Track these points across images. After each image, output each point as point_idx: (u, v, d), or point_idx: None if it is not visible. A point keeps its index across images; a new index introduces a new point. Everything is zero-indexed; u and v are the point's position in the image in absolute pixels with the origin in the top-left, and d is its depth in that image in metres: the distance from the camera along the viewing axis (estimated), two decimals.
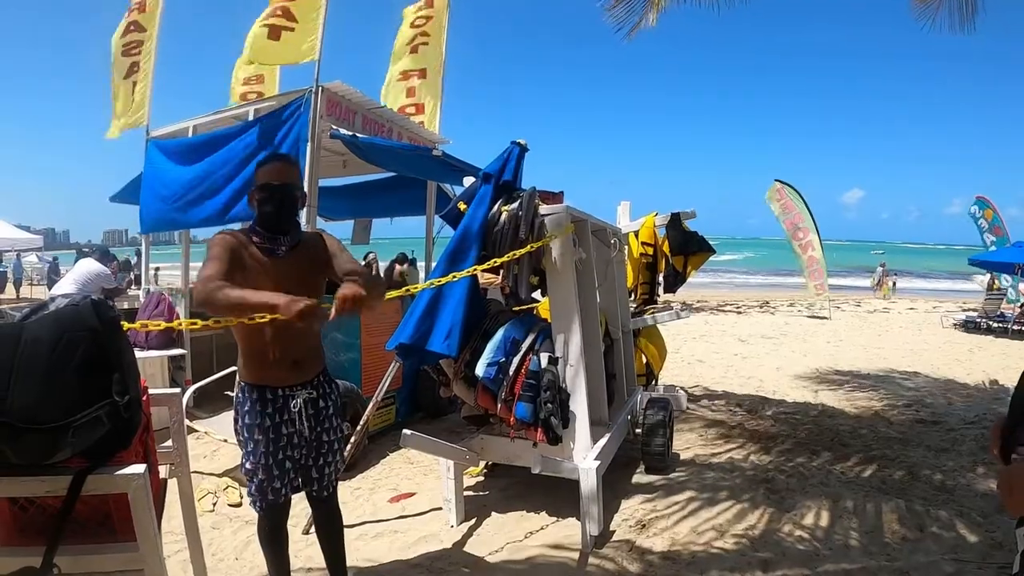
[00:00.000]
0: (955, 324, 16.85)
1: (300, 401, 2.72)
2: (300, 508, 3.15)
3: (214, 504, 4.41)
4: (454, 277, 3.56)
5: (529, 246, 3.80)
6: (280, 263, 2.67)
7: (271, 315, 2.29)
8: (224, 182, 5.52)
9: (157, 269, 7.68)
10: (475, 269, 3.73)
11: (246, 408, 2.70)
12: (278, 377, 2.70)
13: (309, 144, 5.45)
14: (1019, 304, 16.55)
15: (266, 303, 2.28)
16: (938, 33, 5.89)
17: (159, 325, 2.76)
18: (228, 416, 5.32)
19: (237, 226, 4.51)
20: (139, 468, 1.84)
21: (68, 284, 6.84)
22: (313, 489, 2.87)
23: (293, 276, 2.65)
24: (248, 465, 2.70)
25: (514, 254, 3.75)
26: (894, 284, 28.90)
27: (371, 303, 2.49)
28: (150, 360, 5.90)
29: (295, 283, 2.57)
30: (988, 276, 20.56)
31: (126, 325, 1.97)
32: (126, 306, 7.76)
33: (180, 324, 2.89)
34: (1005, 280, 19.04)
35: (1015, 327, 15.13)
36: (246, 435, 2.70)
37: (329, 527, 3.02)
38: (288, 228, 2.73)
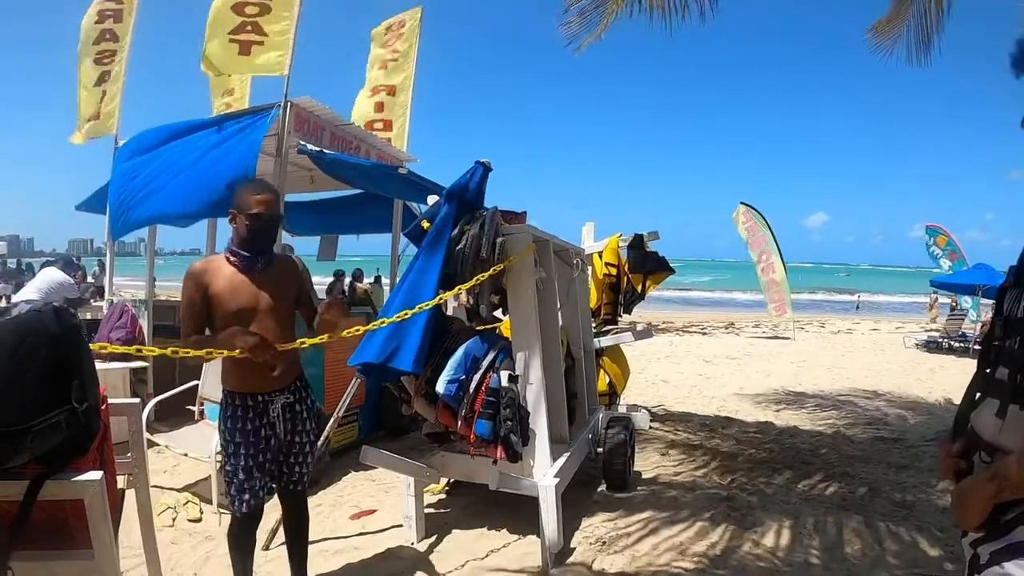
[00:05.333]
0: (917, 344, 17.25)
1: (279, 406, 2.97)
2: (261, 524, 3.16)
3: (174, 519, 4.37)
4: (422, 308, 3.57)
5: (492, 268, 3.83)
6: (257, 278, 2.94)
7: (231, 352, 2.69)
8: (176, 174, 5.44)
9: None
10: (442, 297, 3.75)
11: (228, 413, 2.93)
12: (258, 385, 2.92)
13: (276, 158, 5.47)
14: (979, 324, 16.90)
15: (226, 345, 2.71)
16: (896, 64, 6.17)
17: (117, 349, 2.80)
18: (189, 430, 5.30)
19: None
20: (96, 475, 1.85)
21: (31, 292, 6.75)
22: (282, 482, 3.11)
23: (268, 289, 2.94)
24: (228, 467, 2.95)
25: (478, 279, 3.79)
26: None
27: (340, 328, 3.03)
28: (112, 372, 5.82)
29: (270, 296, 2.94)
30: (949, 298, 21.11)
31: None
32: (88, 317, 7.65)
33: (140, 350, 2.94)
34: (965, 301, 19.49)
35: (975, 347, 15.41)
36: (228, 438, 2.93)
37: (296, 519, 3.25)
38: (266, 250, 3.00)
